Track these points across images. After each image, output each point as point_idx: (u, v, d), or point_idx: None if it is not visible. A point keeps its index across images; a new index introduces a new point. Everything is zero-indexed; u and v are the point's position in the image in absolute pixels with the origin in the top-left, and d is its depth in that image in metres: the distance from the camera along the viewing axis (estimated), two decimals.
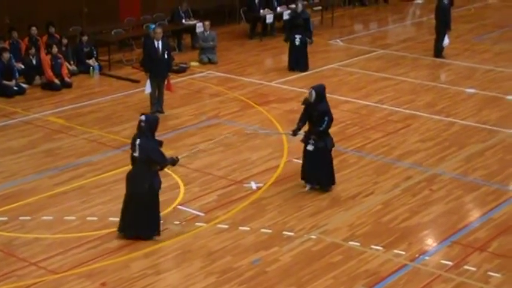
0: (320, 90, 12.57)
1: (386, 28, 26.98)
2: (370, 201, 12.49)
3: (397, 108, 17.26)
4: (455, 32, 23.90)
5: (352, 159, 14.26)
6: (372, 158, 14.33)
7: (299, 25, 20.01)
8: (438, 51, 21.83)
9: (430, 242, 11.33)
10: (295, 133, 12.89)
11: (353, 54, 22.36)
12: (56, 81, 18.30)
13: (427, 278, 10.21)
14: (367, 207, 12.26)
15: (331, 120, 12.56)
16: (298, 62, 20.19)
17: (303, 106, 12.75)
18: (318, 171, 12.69)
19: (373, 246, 10.96)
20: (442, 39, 21.67)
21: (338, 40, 24.27)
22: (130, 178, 10.91)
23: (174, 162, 11.28)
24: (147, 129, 10.76)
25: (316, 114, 12.49)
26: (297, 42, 19.93)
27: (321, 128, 12.45)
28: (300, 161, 13.85)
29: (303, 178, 12.90)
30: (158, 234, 11.03)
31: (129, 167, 11.14)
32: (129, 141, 11.12)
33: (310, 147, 12.58)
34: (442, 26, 21.61)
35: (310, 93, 12.52)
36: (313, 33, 20.73)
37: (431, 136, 15.55)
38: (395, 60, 21.74)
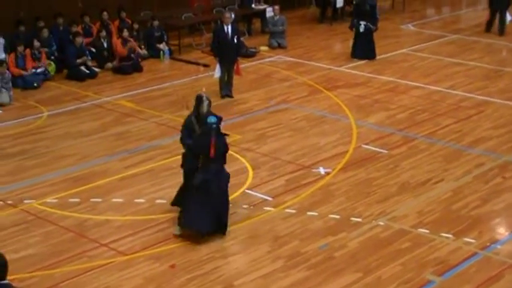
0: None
1: (459, 12, 26.48)
2: (440, 188, 12.31)
3: (469, 94, 16.94)
4: None
5: (422, 145, 14.06)
6: (443, 144, 14.10)
7: (365, 12, 19.52)
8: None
9: (502, 231, 11.11)
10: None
11: (424, 39, 22.02)
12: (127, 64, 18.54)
13: (498, 266, 10.01)
14: (436, 194, 12.08)
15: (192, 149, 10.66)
16: (363, 49, 19.58)
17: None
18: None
19: (442, 234, 10.80)
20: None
21: (409, 25, 23.92)
22: (213, 177, 10.34)
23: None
24: (219, 129, 10.29)
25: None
26: (361, 29, 19.43)
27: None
28: (369, 147, 13.79)
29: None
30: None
31: None
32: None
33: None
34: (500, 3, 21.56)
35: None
36: (384, 17, 20.37)
37: (505, 123, 15.21)
38: (467, 45, 21.33)
